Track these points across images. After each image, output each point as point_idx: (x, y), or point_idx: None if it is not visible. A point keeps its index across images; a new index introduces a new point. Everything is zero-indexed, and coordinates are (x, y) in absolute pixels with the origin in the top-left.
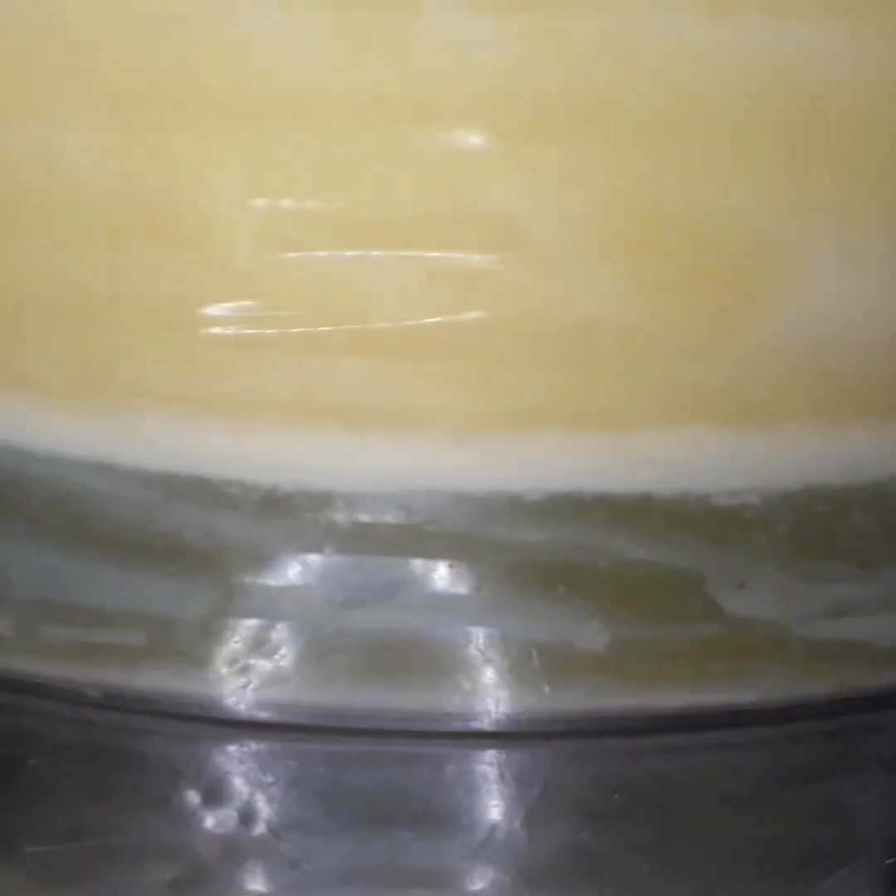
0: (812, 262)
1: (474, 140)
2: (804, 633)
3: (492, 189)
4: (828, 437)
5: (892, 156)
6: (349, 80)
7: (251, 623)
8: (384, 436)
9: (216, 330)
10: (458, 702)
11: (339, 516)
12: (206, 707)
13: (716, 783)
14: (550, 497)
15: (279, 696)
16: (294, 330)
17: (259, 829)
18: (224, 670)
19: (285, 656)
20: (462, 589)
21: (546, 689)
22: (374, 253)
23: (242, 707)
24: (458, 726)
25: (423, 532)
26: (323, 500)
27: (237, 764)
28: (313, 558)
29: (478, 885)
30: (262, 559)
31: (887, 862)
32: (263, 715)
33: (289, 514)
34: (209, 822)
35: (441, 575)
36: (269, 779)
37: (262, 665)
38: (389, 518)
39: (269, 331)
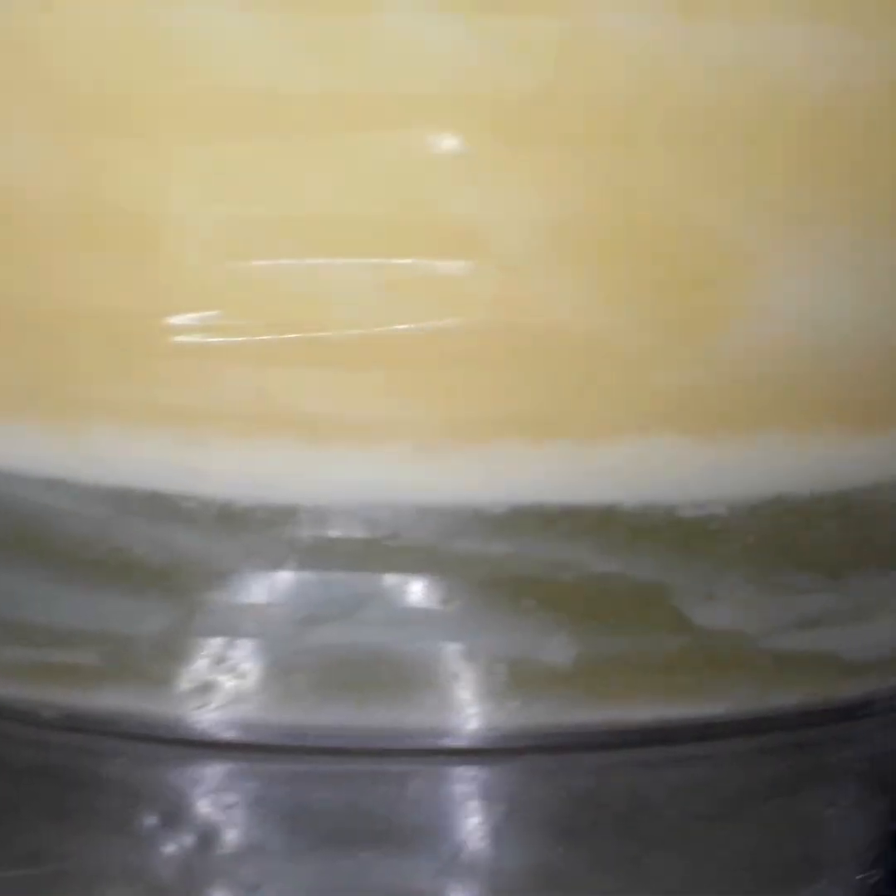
0: (779, 270)
1: (436, 145)
2: (773, 644)
3: (454, 195)
4: (795, 447)
5: (860, 162)
6: (307, 84)
7: (211, 641)
8: (344, 448)
9: (169, 340)
10: (425, 718)
11: (300, 531)
12: (165, 727)
13: (685, 798)
14: (514, 509)
15: (241, 715)
16: (250, 340)
17: (220, 851)
18: (184, 690)
19: (247, 675)
20: (427, 604)
21: (514, 704)
22: (332, 260)
23: (203, 727)
24: (425, 743)
25: (386, 546)
26: (283, 514)
27: (198, 785)
28: (274, 574)
29: None
30: (222, 575)
31: (858, 876)
32: (225, 735)
33: (248, 528)
34: (169, 844)
35: (405, 590)
36: (231, 800)
37: (223, 684)
38: (352, 532)
39: (225, 341)
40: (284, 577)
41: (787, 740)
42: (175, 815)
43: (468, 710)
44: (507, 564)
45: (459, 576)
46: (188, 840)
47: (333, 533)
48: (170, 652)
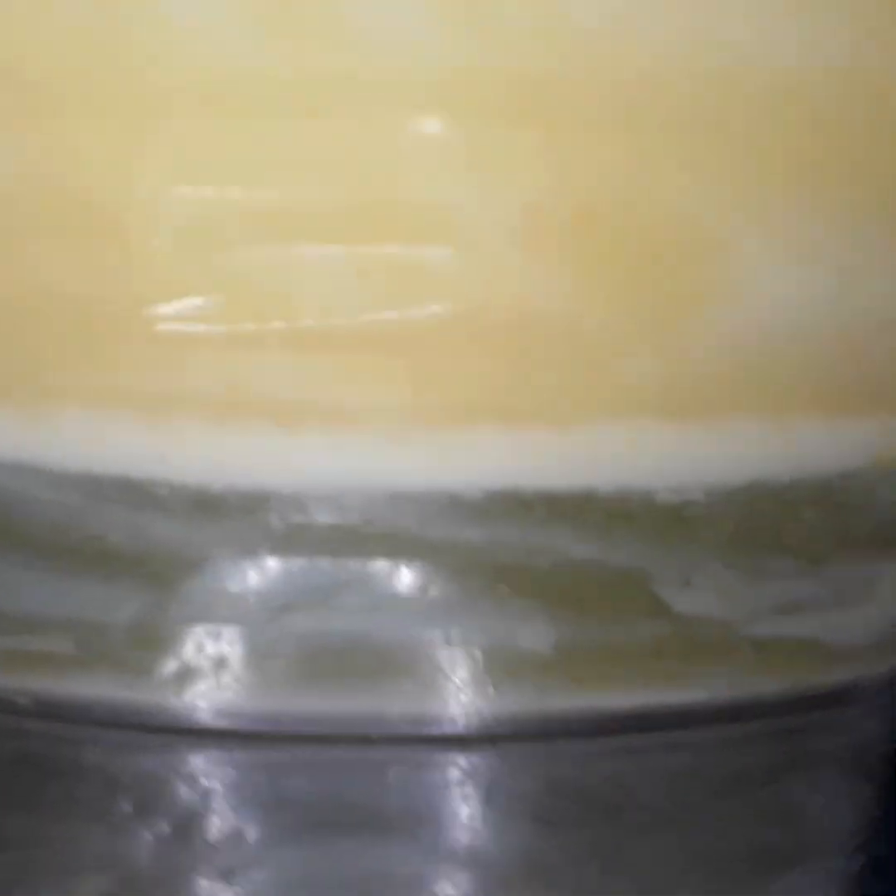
0: (756, 255)
1: (407, 128)
2: (753, 631)
3: (425, 179)
4: (773, 433)
5: (836, 148)
6: (273, 64)
7: (186, 628)
8: (317, 434)
9: (140, 327)
10: (404, 706)
11: (274, 517)
12: (142, 715)
13: (666, 786)
14: (489, 495)
15: (216, 703)
16: (222, 326)
17: (198, 839)
18: (160, 677)
19: (223, 662)
20: (403, 591)
21: (493, 691)
22: (302, 246)
23: (180, 715)
24: (402, 731)
25: (360, 533)
26: (256, 500)
27: (175, 773)
28: (249, 561)
29: (421, 892)
30: (195, 562)
31: (841, 864)
32: (200, 722)
33: (221, 515)
34: (144, 832)
35: (380, 577)
36: (209, 788)
37: (200, 671)
38: (326, 519)
39: (194, 326)
40: (259, 564)
41: (769, 728)
42: (152, 803)
43: (447, 698)
44: (484, 550)
45: (435, 562)
46: (165, 828)
47: (308, 519)
48: (145, 639)
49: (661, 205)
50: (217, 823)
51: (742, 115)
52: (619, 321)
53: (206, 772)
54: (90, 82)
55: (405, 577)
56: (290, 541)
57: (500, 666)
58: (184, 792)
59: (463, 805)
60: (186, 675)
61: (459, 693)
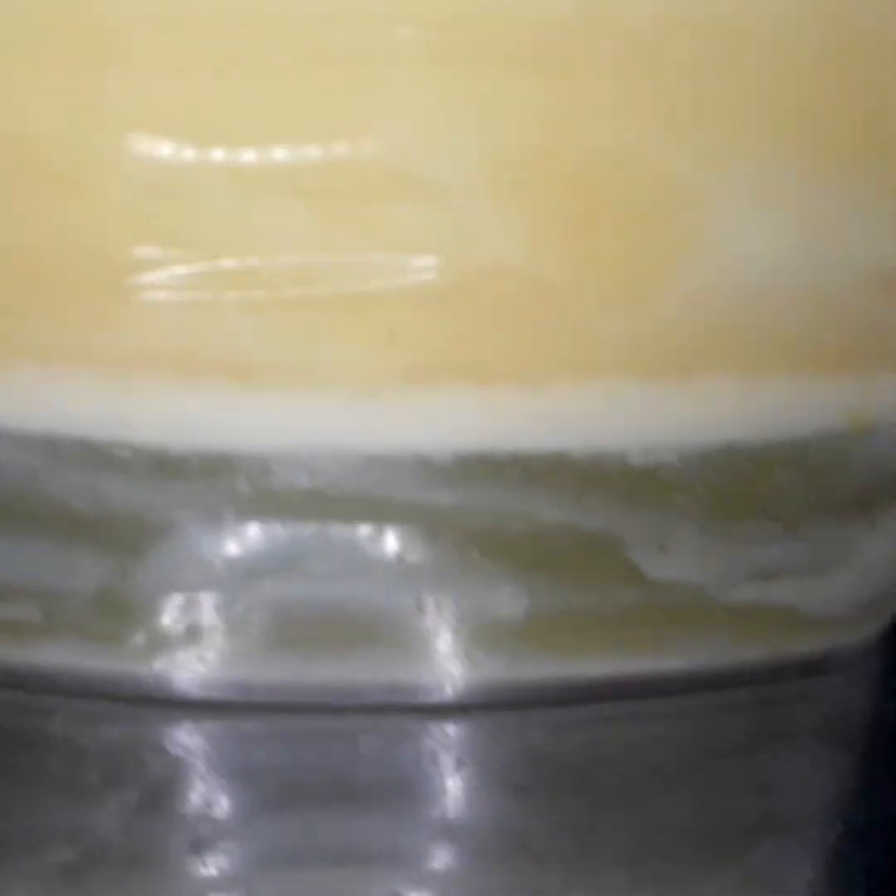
0: (727, 207)
1: (362, 72)
2: (729, 597)
3: (383, 125)
4: (747, 392)
5: (807, 97)
6: (234, 10)
7: (152, 596)
8: (281, 393)
9: (94, 279)
10: (374, 675)
11: (239, 480)
12: (108, 685)
13: (641, 755)
14: (460, 457)
15: (183, 671)
16: (180, 277)
17: (165, 810)
18: (126, 646)
19: (191, 631)
20: (373, 556)
21: (464, 659)
22: (264, 200)
23: (144, 684)
24: (373, 700)
25: (328, 496)
26: (219, 462)
27: (142, 743)
28: (214, 525)
29: (395, 863)
30: (160, 528)
31: (818, 834)
32: (166, 692)
33: (184, 478)
34: (112, 804)
35: (349, 541)
36: (176, 759)
37: (166, 640)
38: (293, 482)
39: (151, 279)
40: (226, 529)
41: (745, 697)
42: (120, 774)
43: (418, 666)
44: (455, 515)
45: (406, 527)
46: (133, 800)
47: (274, 482)
48: (111, 607)
49: (633, 156)
50: (187, 795)
51: (714, 62)
52: (589, 277)
53: (175, 742)
54: (50, 27)
55: (375, 543)
56: (257, 505)
57: (472, 633)
58: (153, 763)
59: (436, 775)
60: (154, 643)
61: (432, 661)
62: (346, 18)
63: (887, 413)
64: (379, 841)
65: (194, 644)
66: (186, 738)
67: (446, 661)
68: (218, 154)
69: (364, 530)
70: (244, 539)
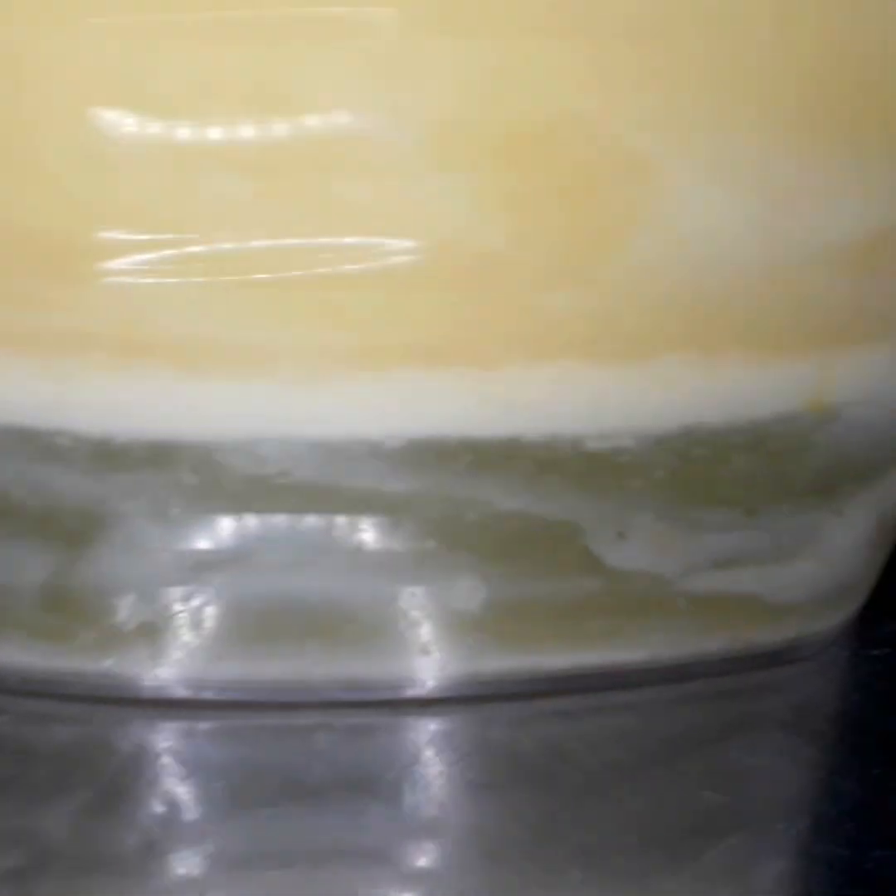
0: (682, 178)
1: (301, 40)
2: (690, 586)
3: (323, 97)
4: (704, 373)
5: (762, 65)
6: None
7: (97, 590)
8: (226, 377)
9: (30, 259)
10: (327, 669)
11: (183, 469)
12: (55, 684)
13: (602, 749)
14: (411, 443)
15: (131, 669)
16: (117, 258)
17: (115, 812)
18: (72, 642)
19: (136, 626)
20: (324, 547)
21: (420, 652)
22: (208, 175)
23: (94, 682)
24: (328, 695)
25: (276, 484)
26: (164, 450)
27: (91, 743)
28: (159, 517)
29: (350, 859)
30: (103, 519)
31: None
32: (114, 690)
33: (126, 467)
34: (61, 805)
35: (299, 531)
36: (126, 758)
37: (113, 636)
38: (239, 470)
39: (90, 260)
40: (169, 520)
41: (708, 688)
42: (69, 774)
43: (372, 661)
44: (407, 504)
45: (356, 516)
46: (83, 800)
47: (219, 471)
48: (55, 602)
49: (585, 124)
50: (139, 796)
51: (667, 26)
52: (539, 252)
53: (127, 742)
54: None
55: (327, 533)
56: (202, 494)
57: (427, 626)
58: (104, 763)
59: (392, 771)
60: (103, 640)
61: (385, 655)
62: None
63: (848, 396)
64: (333, 837)
65: (145, 640)
66: (139, 738)
67: (404, 655)
68: (155, 130)
69: (315, 520)
70: (192, 531)
